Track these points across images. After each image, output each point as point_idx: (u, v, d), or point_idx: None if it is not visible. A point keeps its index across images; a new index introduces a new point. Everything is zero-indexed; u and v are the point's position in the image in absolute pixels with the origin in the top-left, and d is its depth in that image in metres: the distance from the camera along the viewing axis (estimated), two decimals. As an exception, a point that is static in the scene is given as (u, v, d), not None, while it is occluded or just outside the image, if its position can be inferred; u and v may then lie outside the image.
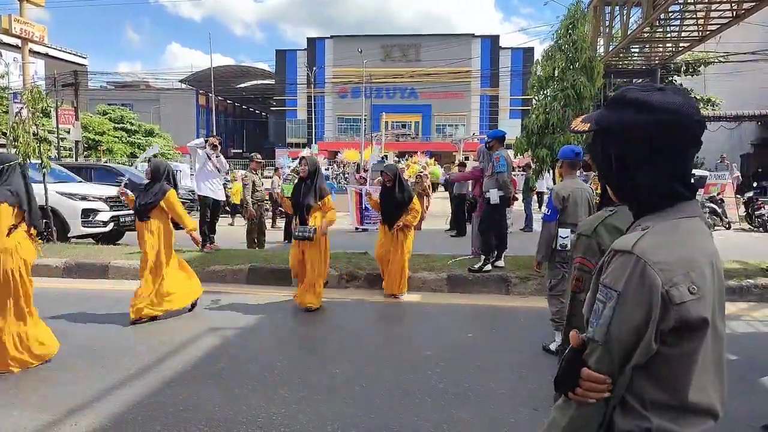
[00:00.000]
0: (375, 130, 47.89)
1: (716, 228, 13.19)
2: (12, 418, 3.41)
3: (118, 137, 40.63)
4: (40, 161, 9.35)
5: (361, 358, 4.66)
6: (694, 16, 16.17)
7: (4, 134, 14.37)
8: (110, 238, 10.86)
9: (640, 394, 1.17)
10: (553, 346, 4.45)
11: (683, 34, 17.68)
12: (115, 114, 42.79)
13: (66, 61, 38.64)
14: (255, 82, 71.72)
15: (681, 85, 26.78)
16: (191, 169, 19.53)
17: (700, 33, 16.61)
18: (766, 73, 23.32)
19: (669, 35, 18.31)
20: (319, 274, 5.95)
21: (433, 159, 35.20)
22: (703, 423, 1.19)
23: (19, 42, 19.58)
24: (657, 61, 21.04)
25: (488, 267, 7.01)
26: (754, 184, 18.67)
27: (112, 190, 11.28)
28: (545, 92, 8.67)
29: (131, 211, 11.32)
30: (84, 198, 10.24)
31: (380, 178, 7.17)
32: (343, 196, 15.71)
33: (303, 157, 6.25)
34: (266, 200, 12.69)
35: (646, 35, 17.41)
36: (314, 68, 58.25)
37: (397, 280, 6.51)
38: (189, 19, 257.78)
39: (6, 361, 4.14)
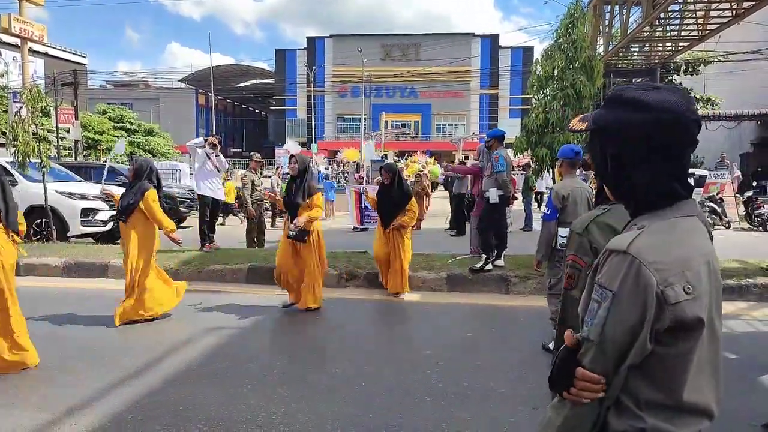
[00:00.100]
0: (375, 130, 47.93)
1: (716, 227, 13.19)
2: (12, 417, 3.41)
3: (117, 136, 40.60)
4: (39, 160, 9.36)
5: (361, 358, 4.66)
6: (694, 15, 16.17)
7: (4, 134, 14.34)
8: (110, 238, 10.85)
9: (635, 393, 1.16)
10: (552, 345, 4.46)
11: (683, 34, 17.68)
12: (114, 113, 42.77)
13: (65, 60, 38.62)
14: (255, 81, 71.67)
15: (681, 84, 26.80)
16: (191, 168, 19.53)
17: (700, 32, 16.62)
18: (766, 72, 23.33)
19: (669, 34, 18.31)
20: (318, 274, 5.91)
21: (433, 158, 35.17)
22: (698, 423, 1.19)
23: (18, 41, 19.58)
24: (657, 61, 21.04)
25: (489, 266, 7.01)
26: (754, 184, 18.66)
27: (111, 190, 11.29)
28: (545, 91, 8.66)
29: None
30: (83, 197, 10.24)
31: (380, 177, 7.14)
32: (342, 196, 15.72)
33: (293, 156, 6.19)
34: (266, 199, 12.69)
35: (645, 34, 17.40)
36: (314, 67, 58.22)
37: (398, 279, 6.49)
38: (188, 18, 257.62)
39: None
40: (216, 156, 9.20)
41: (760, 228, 13.23)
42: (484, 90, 60.39)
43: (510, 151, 9.92)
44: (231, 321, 5.47)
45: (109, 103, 46.77)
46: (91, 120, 38.57)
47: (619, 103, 1.25)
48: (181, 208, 14.18)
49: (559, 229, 4.52)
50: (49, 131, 21.65)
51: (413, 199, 6.78)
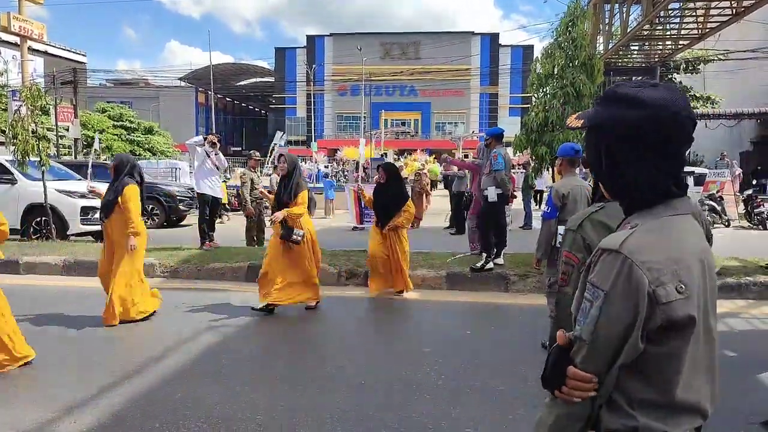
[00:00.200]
0: (374, 128, 47.90)
1: (715, 226, 13.20)
2: (12, 414, 3.41)
3: (117, 135, 40.60)
4: (39, 159, 9.35)
5: (361, 355, 4.67)
6: (694, 13, 16.16)
7: (3, 132, 14.33)
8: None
9: (628, 392, 1.16)
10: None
11: (683, 32, 17.67)
12: (114, 112, 42.73)
13: (65, 58, 38.60)
14: (254, 79, 71.62)
15: (680, 83, 26.82)
16: (190, 166, 19.52)
17: (700, 30, 16.60)
18: (766, 71, 23.32)
19: (669, 33, 18.29)
20: (312, 270, 5.81)
21: (433, 157, 35.16)
22: (692, 422, 1.18)
23: (18, 39, 19.55)
24: (656, 59, 21.03)
25: (490, 265, 7.01)
26: (753, 182, 18.66)
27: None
28: (545, 90, 8.64)
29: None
30: (83, 195, 10.23)
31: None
32: (342, 194, 15.71)
33: (281, 155, 6.16)
34: (264, 198, 12.70)
35: (645, 33, 17.39)
36: (314, 66, 58.22)
37: (401, 278, 6.45)
38: (188, 17, 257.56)
39: None
40: (215, 154, 9.20)
41: (760, 226, 13.23)
42: (484, 88, 60.38)
43: (510, 150, 9.92)
44: (231, 319, 5.47)
45: (108, 102, 46.74)
46: (91, 118, 38.57)
47: (614, 100, 1.24)
48: (181, 207, 14.18)
49: (559, 227, 4.52)
50: (48, 130, 21.63)
51: (410, 200, 6.69)
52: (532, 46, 53.98)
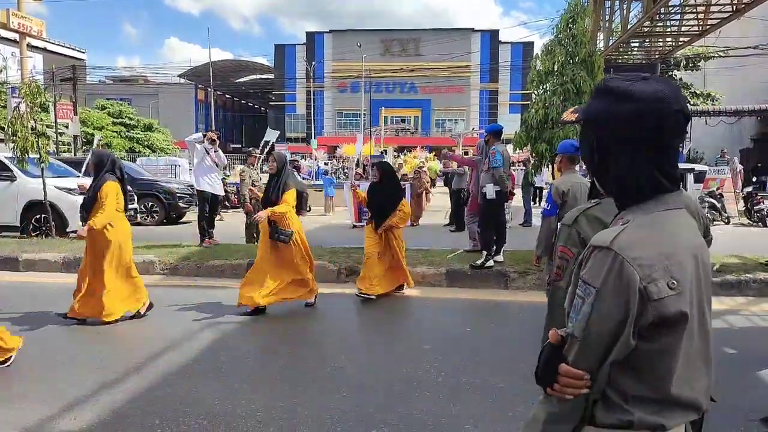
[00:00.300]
0: (374, 125, 47.83)
1: (715, 223, 13.19)
2: (12, 411, 3.41)
3: (116, 132, 40.57)
4: (38, 156, 9.34)
5: (360, 352, 4.67)
6: (694, 10, 16.11)
7: (3, 129, 14.31)
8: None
9: (621, 388, 1.16)
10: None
11: (683, 29, 17.62)
12: (113, 108, 42.69)
13: (64, 55, 38.56)
14: (254, 76, 71.53)
15: (681, 80, 26.78)
16: (190, 164, 19.51)
17: (700, 27, 16.56)
18: (766, 68, 23.28)
19: (669, 30, 18.25)
20: (302, 268, 5.74)
21: (433, 154, 35.13)
22: (686, 416, 1.19)
23: (17, 36, 19.51)
24: (657, 56, 21.00)
25: (490, 263, 7.01)
26: (753, 179, 18.65)
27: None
28: (545, 87, 8.63)
29: (130, 206, 11.39)
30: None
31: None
32: (342, 191, 15.71)
33: (270, 153, 6.09)
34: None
35: (646, 29, 17.34)
36: (313, 63, 58.13)
37: (402, 274, 6.40)
38: (187, 13, 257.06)
39: None
40: (215, 151, 9.19)
41: (760, 223, 13.23)
42: (484, 85, 60.33)
43: (510, 147, 9.90)
44: (230, 316, 5.46)
45: (108, 99, 46.71)
46: (90, 115, 38.52)
47: (605, 94, 1.23)
48: (181, 204, 14.18)
49: (559, 224, 4.51)
50: (48, 127, 21.63)
51: (405, 199, 6.54)
52: (532, 43, 53.98)
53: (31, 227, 10.05)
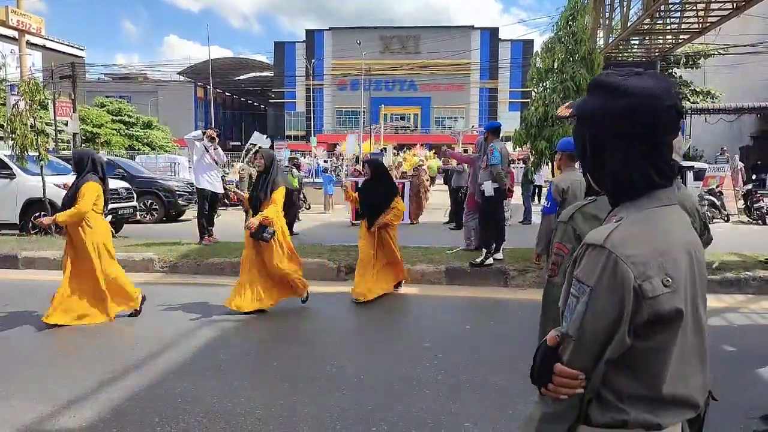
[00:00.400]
0: (374, 123, 47.81)
1: (715, 220, 13.20)
2: (11, 408, 3.41)
3: (116, 129, 40.54)
4: (37, 153, 9.33)
5: (360, 350, 4.67)
6: (694, 8, 16.09)
7: (2, 126, 14.29)
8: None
9: (616, 387, 1.15)
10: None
11: (683, 26, 17.61)
12: (113, 106, 42.67)
13: (63, 53, 38.48)
14: (253, 74, 71.44)
15: (680, 77, 26.75)
16: (189, 161, 19.50)
17: (700, 25, 16.56)
18: (766, 66, 23.26)
19: (669, 27, 18.23)
20: (291, 266, 5.58)
21: (433, 151, 35.11)
22: (682, 414, 1.18)
23: (16, 33, 19.48)
24: (657, 53, 20.98)
25: (490, 261, 7.00)
26: (753, 177, 18.66)
27: (110, 183, 11.27)
28: (545, 84, 8.63)
29: (129, 204, 11.39)
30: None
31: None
32: (340, 189, 15.69)
33: (257, 151, 6.01)
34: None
35: (646, 27, 17.34)
36: (313, 60, 58.06)
37: (399, 269, 6.31)
38: (186, 11, 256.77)
39: None
40: (214, 149, 9.19)
41: (759, 221, 13.23)
42: (484, 83, 60.28)
43: (509, 145, 9.89)
44: (230, 314, 5.46)
45: (107, 96, 46.67)
46: (90, 113, 38.48)
47: (600, 90, 1.23)
48: (180, 202, 14.17)
49: (556, 221, 4.51)
50: (47, 124, 21.61)
51: (398, 196, 6.35)
52: (532, 41, 53.93)
53: (31, 225, 10.04)
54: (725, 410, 1.22)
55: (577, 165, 4.92)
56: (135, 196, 11.96)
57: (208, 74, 42.03)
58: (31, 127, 9.19)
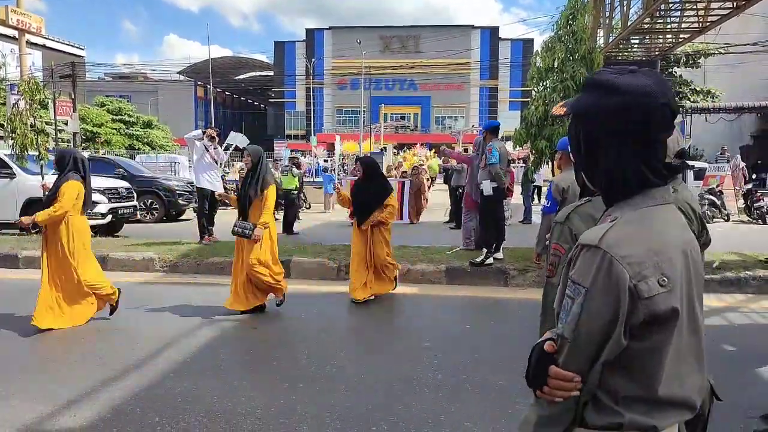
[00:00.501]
0: (374, 122, 47.79)
1: (715, 220, 13.20)
2: (11, 408, 3.41)
3: (116, 129, 40.55)
4: (37, 153, 9.32)
5: (360, 350, 4.68)
6: (695, 7, 16.08)
7: (2, 126, 14.28)
8: (109, 230, 10.84)
9: (612, 389, 1.14)
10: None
11: (683, 26, 17.60)
12: (113, 106, 42.68)
13: (63, 52, 38.51)
14: (253, 73, 71.40)
15: (681, 76, 26.74)
16: (190, 161, 19.50)
17: (700, 24, 16.54)
18: (766, 65, 23.25)
19: (669, 26, 18.22)
20: (262, 270, 5.38)
21: (433, 151, 35.09)
22: (678, 415, 1.16)
23: (16, 33, 19.47)
24: (657, 53, 20.96)
25: (490, 260, 7.00)
26: (753, 176, 18.66)
27: (110, 182, 11.27)
28: (545, 83, 8.62)
29: (129, 203, 11.39)
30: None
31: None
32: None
33: (245, 148, 5.89)
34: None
35: (646, 26, 17.32)
36: (313, 60, 58.02)
37: (384, 277, 6.08)
38: (186, 10, 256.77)
39: None
40: (214, 148, 9.19)
41: (759, 221, 13.23)
42: (484, 82, 60.23)
43: (509, 144, 9.88)
44: (230, 314, 5.46)
45: (107, 96, 46.69)
46: (90, 112, 38.49)
47: (594, 87, 1.22)
48: (180, 201, 14.17)
49: (552, 222, 4.50)
50: (47, 123, 21.58)
51: (392, 194, 6.18)
52: (532, 40, 53.80)
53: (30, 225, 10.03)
54: (725, 410, 1.22)
55: (577, 164, 4.92)
56: (135, 195, 11.95)
57: (208, 73, 42.00)
58: (31, 126, 9.18)
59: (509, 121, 27.25)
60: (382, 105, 53.65)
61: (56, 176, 5.20)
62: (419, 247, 8.10)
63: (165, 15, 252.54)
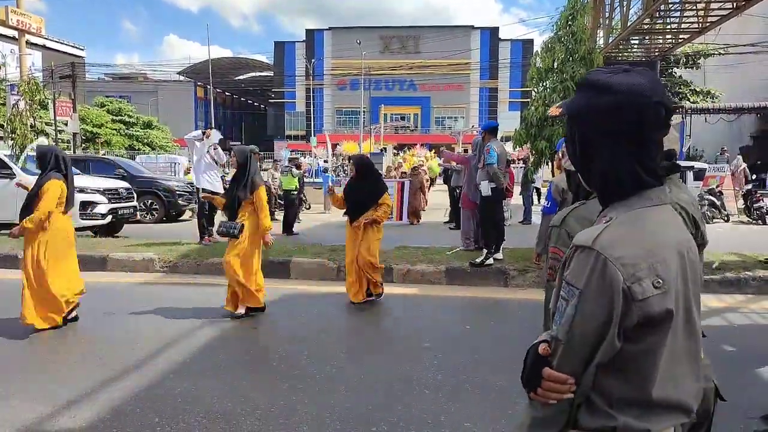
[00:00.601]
0: (374, 123, 47.81)
1: (715, 220, 13.21)
2: (11, 408, 3.41)
3: (116, 129, 40.56)
4: (37, 153, 9.33)
5: (360, 350, 4.67)
6: (694, 7, 16.08)
7: (2, 126, 14.28)
8: (109, 231, 10.85)
9: (606, 392, 1.13)
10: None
11: (683, 26, 17.60)
12: (113, 106, 42.69)
13: (63, 52, 38.52)
14: (253, 74, 71.42)
15: (680, 77, 26.76)
16: (189, 161, 19.50)
17: (700, 25, 16.54)
18: (766, 65, 23.26)
19: (669, 27, 18.22)
20: (249, 271, 5.34)
21: (433, 151, 35.11)
22: (673, 418, 1.15)
23: (16, 33, 19.48)
24: (657, 53, 20.96)
25: (490, 261, 7.00)
26: (753, 177, 18.66)
27: (110, 183, 11.27)
28: (544, 84, 8.64)
29: (129, 204, 11.39)
30: (82, 190, 10.21)
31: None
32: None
33: (230, 149, 5.84)
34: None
35: (646, 27, 17.32)
36: (313, 60, 58.04)
37: (364, 280, 5.88)
38: (186, 11, 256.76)
39: None
40: (214, 149, 9.19)
41: (759, 221, 13.23)
42: (484, 83, 60.27)
43: (509, 144, 9.88)
44: (230, 314, 5.46)
45: (107, 96, 46.69)
46: (90, 113, 38.49)
47: (588, 87, 1.22)
48: (180, 202, 14.18)
49: (549, 226, 4.50)
50: (47, 124, 21.60)
51: (387, 193, 6.03)
52: (531, 41, 53.86)
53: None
54: (725, 410, 1.21)
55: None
56: (135, 196, 11.96)
57: (208, 74, 41.94)
58: (31, 127, 9.20)
59: (509, 121, 27.24)
60: (382, 105, 53.74)
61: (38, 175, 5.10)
62: (419, 247, 8.10)
63: (165, 15, 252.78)
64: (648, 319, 1.08)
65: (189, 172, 20.63)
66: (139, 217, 12.58)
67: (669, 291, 1.09)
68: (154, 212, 13.78)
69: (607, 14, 18.07)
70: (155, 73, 63.24)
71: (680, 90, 26.67)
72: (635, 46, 21.50)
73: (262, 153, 22.13)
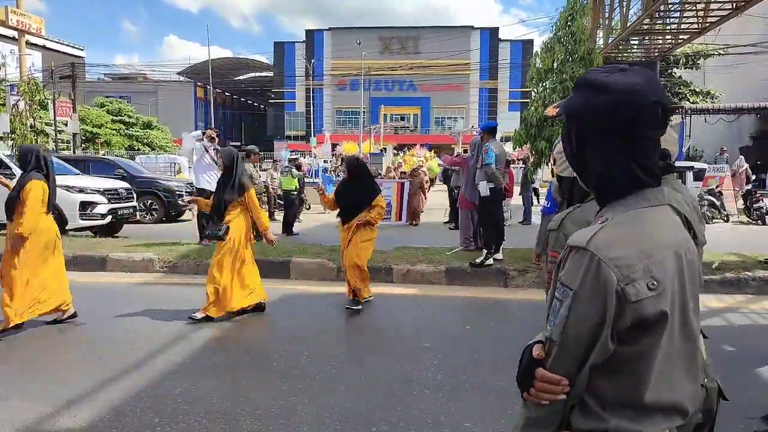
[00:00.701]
0: (374, 123, 47.83)
1: (714, 221, 13.21)
2: (11, 408, 3.41)
3: (116, 130, 40.57)
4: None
5: (360, 350, 4.68)
6: (694, 8, 16.09)
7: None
8: (108, 231, 10.84)
9: (599, 393, 1.12)
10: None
11: (683, 26, 17.61)
12: (112, 106, 42.70)
13: (63, 53, 38.54)
14: (253, 74, 71.44)
15: (680, 77, 26.77)
16: (189, 161, 19.50)
17: (700, 25, 16.55)
18: (766, 66, 23.27)
19: (668, 27, 18.23)
20: (215, 278, 5.25)
21: (432, 152, 35.11)
22: (668, 421, 1.13)
23: (16, 34, 19.48)
24: (656, 53, 20.97)
25: (490, 261, 7.00)
26: (753, 177, 18.67)
27: (110, 183, 11.27)
28: (544, 84, 8.65)
29: (129, 204, 11.39)
30: (82, 190, 10.22)
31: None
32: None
33: (217, 150, 5.78)
34: (263, 193, 12.68)
35: (645, 27, 17.32)
36: (312, 60, 58.05)
37: (352, 282, 5.73)
38: (186, 11, 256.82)
39: None
40: (214, 149, 9.18)
41: (759, 221, 13.24)
42: (484, 83, 60.31)
43: (509, 145, 9.89)
44: (229, 314, 5.46)
45: (107, 97, 46.70)
46: (90, 113, 38.50)
47: (584, 87, 1.21)
48: (180, 202, 14.17)
49: (547, 231, 4.51)
50: (47, 124, 21.60)
51: (380, 195, 5.89)
52: (531, 41, 53.91)
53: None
54: (725, 410, 1.21)
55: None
56: (135, 196, 11.96)
57: (208, 74, 42.00)
58: (31, 127, 9.21)
59: (509, 122, 27.28)
60: (382, 106, 53.78)
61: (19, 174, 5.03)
62: (419, 247, 8.10)
63: (165, 15, 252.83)
64: (642, 320, 1.07)
65: (180, 172, 20.64)
66: (138, 217, 12.58)
67: (664, 293, 1.08)
68: (153, 212, 13.78)
69: (606, 15, 18.08)
70: (155, 73, 63.35)
71: (680, 90, 26.68)
72: (635, 47, 21.51)
73: (261, 153, 22.11)
